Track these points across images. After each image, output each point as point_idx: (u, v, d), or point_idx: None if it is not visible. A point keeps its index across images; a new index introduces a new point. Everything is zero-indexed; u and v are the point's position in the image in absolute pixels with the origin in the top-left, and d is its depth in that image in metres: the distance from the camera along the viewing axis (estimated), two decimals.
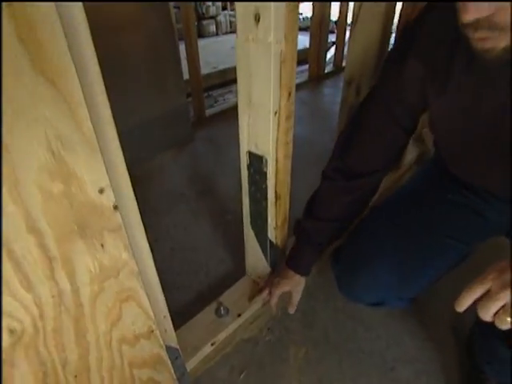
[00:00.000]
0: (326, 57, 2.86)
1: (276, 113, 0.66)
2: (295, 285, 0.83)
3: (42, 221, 0.38)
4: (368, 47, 0.91)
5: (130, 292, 0.52)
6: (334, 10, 2.70)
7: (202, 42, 2.07)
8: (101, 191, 0.42)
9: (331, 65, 3.06)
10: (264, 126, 0.68)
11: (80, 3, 0.33)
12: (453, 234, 0.72)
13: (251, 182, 0.77)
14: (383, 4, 0.86)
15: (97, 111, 0.39)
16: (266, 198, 0.76)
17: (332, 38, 3.27)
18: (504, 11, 0.41)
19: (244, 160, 0.76)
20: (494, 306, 0.44)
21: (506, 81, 0.52)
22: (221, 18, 4.91)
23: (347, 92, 0.99)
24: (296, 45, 0.64)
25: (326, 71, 2.88)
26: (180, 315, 0.86)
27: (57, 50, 0.32)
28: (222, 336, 0.86)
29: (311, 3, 2.54)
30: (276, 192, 0.76)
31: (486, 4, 0.41)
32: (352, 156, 0.73)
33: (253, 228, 0.85)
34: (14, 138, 0.32)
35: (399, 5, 0.97)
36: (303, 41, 2.93)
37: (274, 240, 0.84)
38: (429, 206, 0.76)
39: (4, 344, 0.41)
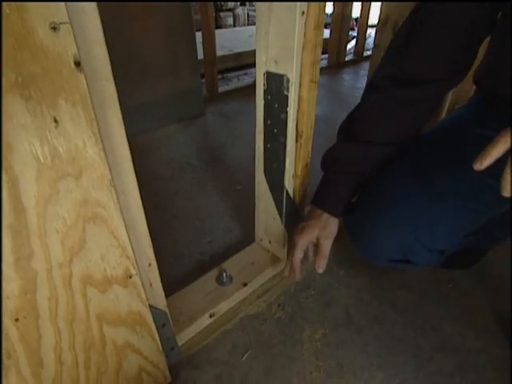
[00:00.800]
0: (346, 47, 2.75)
1: (303, 13, 0.52)
2: (323, 227, 0.64)
3: None
4: None
5: (98, 208, 0.38)
6: (356, 7, 2.63)
7: (219, 32, 1.97)
8: (53, 28, 0.28)
9: (351, 55, 2.94)
10: (287, 33, 0.54)
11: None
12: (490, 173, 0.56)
13: (268, 114, 0.63)
14: None
15: None
16: (285, 134, 0.62)
17: (353, 33, 3.21)
18: None
19: (260, 84, 0.61)
20: None
21: None
22: (239, 10, 4.82)
23: (383, 33, 0.84)
24: None
25: (346, 59, 2.76)
26: (174, 285, 0.72)
27: None
28: (223, 307, 0.71)
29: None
30: (297, 128, 0.62)
31: None
32: (411, 57, 0.56)
33: (266, 176, 0.71)
34: None
35: None
36: (325, 33, 2.81)
37: (291, 192, 0.69)
38: (464, 142, 0.60)
39: None
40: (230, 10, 4.74)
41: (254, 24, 0.59)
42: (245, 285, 0.74)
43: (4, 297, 0.35)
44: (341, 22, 2.55)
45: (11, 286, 0.35)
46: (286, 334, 0.73)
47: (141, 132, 1.54)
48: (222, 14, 4.63)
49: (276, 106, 0.60)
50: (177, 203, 1.12)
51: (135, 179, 0.42)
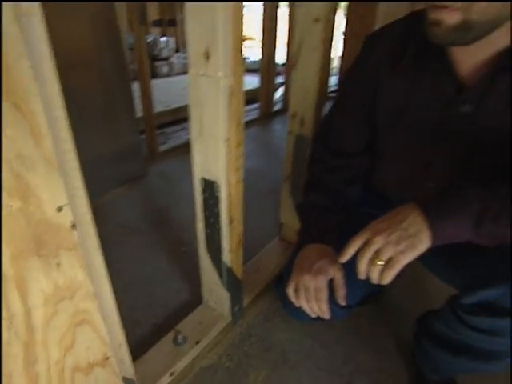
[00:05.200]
0: (274, 96, 3.07)
1: (227, 140, 0.72)
2: (335, 261, 0.69)
3: None
4: (309, 85, 1.01)
5: (85, 315, 0.52)
6: (280, 53, 2.95)
7: (155, 82, 2.14)
8: (59, 209, 0.43)
9: (280, 103, 3.27)
10: (215, 153, 0.73)
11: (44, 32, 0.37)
12: None
13: (205, 208, 0.81)
14: (321, 48, 0.97)
15: (56, 132, 0.41)
16: (219, 222, 0.80)
17: (279, 79, 3.52)
18: None
19: (198, 186, 0.79)
20: (369, 251, 0.54)
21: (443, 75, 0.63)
22: (174, 59, 5.07)
23: (292, 125, 1.08)
24: (242, 79, 0.71)
25: (275, 109, 3.07)
26: (137, 350, 0.84)
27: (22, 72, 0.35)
28: (180, 365, 0.85)
29: (260, 48, 2.75)
30: (230, 215, 0.80)
31: None
32: (333, 136, 0.79)
33: (208, 253, 0.88)
34: None
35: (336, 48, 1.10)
36: (254, 81, 3.11)
37: (229, 264, 0.86)
38: (354, 218, 0.78)
39: None
40: (165, 59, 4.98)
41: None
42: (197, 342, 0.88)
43: None
44: (268, 68, 2.80)
45: None
46: (234, 380, 0.88)
47: None
48: (157, 64, 4.84)
49: (211, 202, 0.78)
50: (129, 268, 1.23)
51: (110, 287, 0.56)
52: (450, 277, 0.70)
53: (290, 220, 1.22)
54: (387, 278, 0.55)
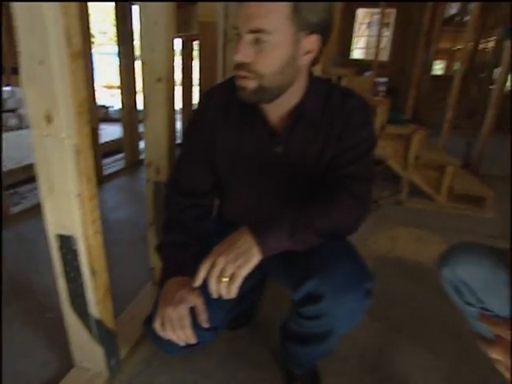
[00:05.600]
0: (139, 145, 3.10)
1: (78, 195, 0.75)
2: (193, 288, 0.74)
3: None
4: (160, 136, 1.12)
5: None
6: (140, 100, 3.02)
7: (4, 136, 1.93)
8: None
9: None
10: (69, 208, 0.76)
11: None
12: None
13: (64, 263, 0.81)
14: (165, 104, 1.09)
15: None
16: (81, 275, 0.81)
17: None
18: (259, 62, 0.68)
19: (53, 243, 0.79)
20: (215, 271, 0.65)
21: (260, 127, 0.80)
22: (22, 110, 4.62)
23: (149, 173, 1.16)
24: (89, 138, 0.76)
25: (141, 158, 3.10)
26: None
27: None
28: None
29: (120, 96, 2.78)
30: (91, 267, 0.82)
31: (250, 53, 0.68)
32: (183, 180, 0.88)
33: (73, 309, 0.86)
34: None
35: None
36: (118, 131, 3.09)
37: (98, 316, 0.86)
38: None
39: None
40: (12, 110, 4.49)
41: None
42: None
43: None
44: (129, 116, 2.83)
45: None
46: None
47: None
48: (3, 116, 4.33)
49: (69, 256, 0.79)
50: None
51: None
52: (286, 280, 0.85)
53: (159, 263, 1.26)
54: (233, 291, 0.66)
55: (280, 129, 0.81)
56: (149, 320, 0.85)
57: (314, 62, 0.76)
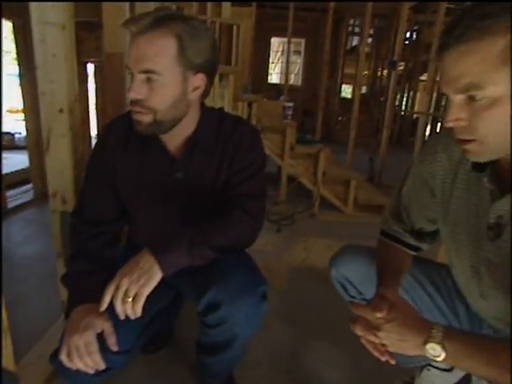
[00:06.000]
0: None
1: None
2: (100, 313, 0.75)
3: None
4: (64, 165, 1.11)
5: None
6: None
7: None
8: None
9: None
10: None
11: None
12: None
13: None
14: (69, 134, 1.10)
15: None
16: None
17: None
18: (152, 99, 0.74)
19: None
20: (120, 293, 0.69)
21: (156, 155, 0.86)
22: None
23: (55, 203, 1.14)
24: None
25: None
26: None
27: None
28: None
29: (24, 122, 2.61)
30: None
31: (143, 91, 0.74)
32: (87, 209, 0.90)
33: None
34: None
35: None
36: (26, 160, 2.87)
37: None
38: None
39: None
40: None
41: None
42: None
43: None
44: (36, 145, 2.66)
45: None
46: None
47: None
48: None
49: None
50: None
51: None
52: (192, 294, 0.90)
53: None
54: (138, 310, 0.70)
55: (179, 156, 0.88)
56: (55, 354, 0.83)
57: (203, 95, 0.85)
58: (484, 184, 0.68)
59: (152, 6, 1.39)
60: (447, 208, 0.78)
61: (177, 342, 1.27)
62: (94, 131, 3.20)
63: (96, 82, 3.40)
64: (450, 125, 0.58)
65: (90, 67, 3.21)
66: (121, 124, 0.91)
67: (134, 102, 0.77)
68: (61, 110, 1.09)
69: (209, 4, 3.00)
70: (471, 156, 0.62)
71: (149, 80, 0.75)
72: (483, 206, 0.70)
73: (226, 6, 3.11)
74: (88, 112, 3.05)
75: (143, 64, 0.73)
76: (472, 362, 0.59)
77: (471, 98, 0.55)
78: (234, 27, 3.14)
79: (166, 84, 0.75)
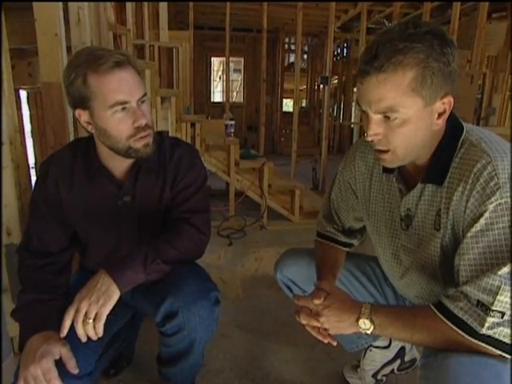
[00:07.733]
0: None
1: None
2: (58, 339, 0.77)
3: None
4: (6, 195, 1.11)
5: None
6: None
7: None
8: None
9: None
10: None
11: None
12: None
13: None
14: (11, 166, 1.10)
15: None
16: None
17: None
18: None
19: None
20: (80, 316, 0.72)
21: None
22: None
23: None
24: None
25: None
26: None
27: None
28: None
29: None
30: None
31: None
32: (34, 241, 0.91)
33: None
34: None
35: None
36: None
37: None
38: None
39: None
40: None
41: None
42: None
43: None
44: None
45: None
46: None
47: None
48: None
49: None
50: None
51: None
52: (150, 308, 0.94)
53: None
54: (99, 330, 0.73)
55: (125, 181, 0.93)
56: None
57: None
58: (394, 183, 0.82)
59: (88, 34, 1.43)
60: (368, 207, 0.92)
61: (137, 363, 1.28)
62: (31, 160, 3.07)
63: (30, 110, 3.28)
64: (370, 139, 0.71)
65: (23, 94, 3.10)
66: (64, 157, 0.94)
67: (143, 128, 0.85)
68: (1, 142, 1.09)
69: (146, 28, 3.07)
70: (386, 163, 0.77)
71: None
72: (395, 202, 0.85)
73: (164, 30, 3.20)
74: (24, 140, 2.93)
75: None
76: (393, 328, 0.72)
77: (387, 117, 0.68)
78: (174, 50, 3.23)
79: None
